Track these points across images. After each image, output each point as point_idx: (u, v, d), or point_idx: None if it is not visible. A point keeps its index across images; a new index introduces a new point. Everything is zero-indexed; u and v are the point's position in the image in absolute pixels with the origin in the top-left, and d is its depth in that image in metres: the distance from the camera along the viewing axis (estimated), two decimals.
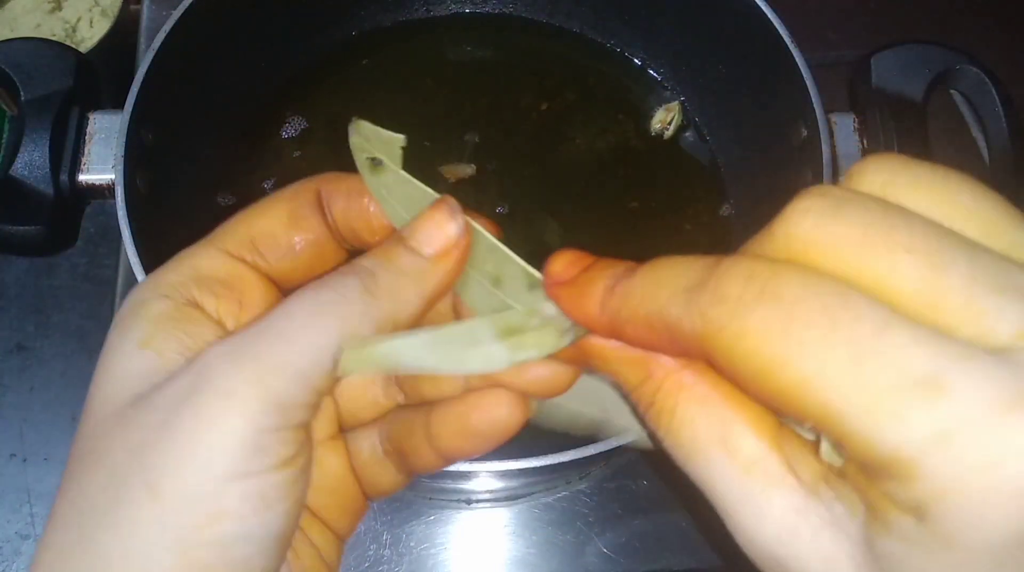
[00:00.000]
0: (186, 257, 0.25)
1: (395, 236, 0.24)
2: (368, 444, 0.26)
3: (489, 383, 0.23)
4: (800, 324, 0.16)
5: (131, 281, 0.38)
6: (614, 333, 0.20)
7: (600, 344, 0.21)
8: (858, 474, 0.16)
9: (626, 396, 0.21)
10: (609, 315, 0.19)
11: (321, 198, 0.26)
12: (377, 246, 0.24)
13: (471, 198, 0.53)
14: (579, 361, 0.22)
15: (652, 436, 0.20)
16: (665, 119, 0.56)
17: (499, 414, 0.23)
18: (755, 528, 0.18)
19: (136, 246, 0.40)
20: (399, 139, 0.28)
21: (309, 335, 0.21)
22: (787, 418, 0.18)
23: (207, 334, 0.23)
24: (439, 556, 0.49)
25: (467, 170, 0.54)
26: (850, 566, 0.16)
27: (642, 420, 0.20)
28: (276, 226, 0.25)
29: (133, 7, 0.61)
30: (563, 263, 0.21)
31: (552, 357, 0.22)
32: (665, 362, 0.19)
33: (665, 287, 0.18)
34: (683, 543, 0.50)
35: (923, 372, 0.15)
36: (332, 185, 0.26)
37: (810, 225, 0.17)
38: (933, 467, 0.14)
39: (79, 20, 0.60)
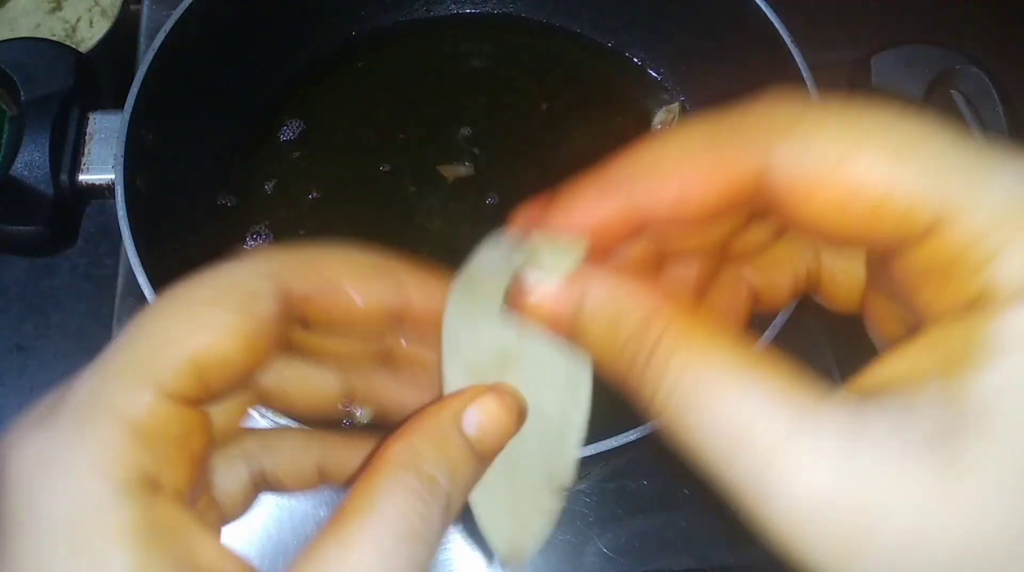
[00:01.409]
0: (109, 401, 0.17)
1: (450, 427, 0.20)
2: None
3: None
4: (881, 127, 0.16)
5: (131, 281, 0.37)
6: (633, 199, 0.18)
7: (608, 276, 0.19)
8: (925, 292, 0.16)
9: (612, 360, 0.18)
10: (624, 183, 0.18)
11: (288, 301, 0.20)
12: (423, 426, 0.20)
13: (469, 198, 0.53)
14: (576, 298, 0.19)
15: (642, 401, 0.17)
16: (666, 121, 0.56)
17: None
18: (791, 505, 0.15)
19: (136, 246, 0.40)
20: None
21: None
22: (847, 240, 0.17)
23: (197, 543, 0.17)
24: (439, 556, 0.49)
25: (465, 169, 0.54)
26: (921, 494, 0.14)
27: (631, 382, 0.18)
28: (229, 351, 0.18)
29: (133, 7, 0.61)
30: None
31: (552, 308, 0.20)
32: (670, 303, 0.17)
33: (703, 127, 0.18)
34: (683, 543, 0.50)
35: (979, 144, 0.16)
36: (303, 280, 0.20)
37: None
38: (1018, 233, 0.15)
39: (79, 20, 0.60)
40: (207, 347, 0.18)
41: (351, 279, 0.21)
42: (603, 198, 0.19)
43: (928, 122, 0.16)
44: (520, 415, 0.21)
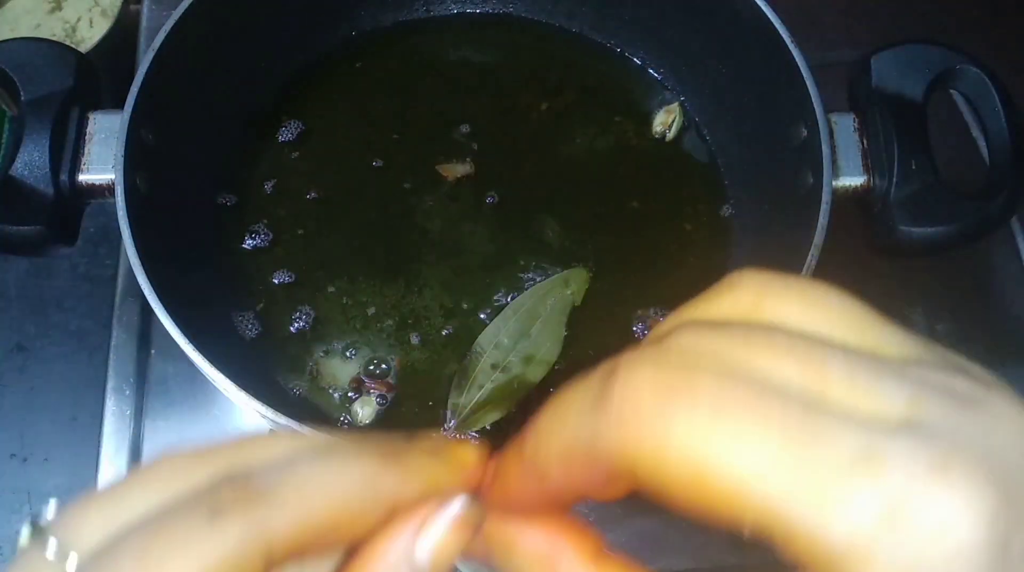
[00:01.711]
0: None
1: (401, 564, 0.19)
2: None
3: None
4: (727, 417, 0.15)
5: (131, 281, 0.37)
6: (545, 487, 0.19)
7: (512, 536, 0.20)
8: None
9: None
10: (533, 471, 0.19)
11: (271, 552, 0.18)
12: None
13: (469, 197, 0.53)
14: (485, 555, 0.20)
15: None
16: (666, 121, 0.56)
17: None
18: None
19: (136, 246, 0.40)
20: None
21: None
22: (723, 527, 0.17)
23: None
24: None
25: (465, 169, 0.54)
26: None
27: None
28: None
29: (133, 7, 0.61)
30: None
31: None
32: (565, 551, 0.19)
33: (568, 414, 0.17)
34: (683, 543, 0.50)
35: (858, 447, 0.15)
36: (292, 530, 0.18)
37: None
38: (889, 547, 0.14)
39: (79, 20, 0.60)
40: None
41: (341, 513, 0.19)
42: (523, 486, 0.19)
43: (806, 399, 0.15)
44: (477, 524, 0.20)
